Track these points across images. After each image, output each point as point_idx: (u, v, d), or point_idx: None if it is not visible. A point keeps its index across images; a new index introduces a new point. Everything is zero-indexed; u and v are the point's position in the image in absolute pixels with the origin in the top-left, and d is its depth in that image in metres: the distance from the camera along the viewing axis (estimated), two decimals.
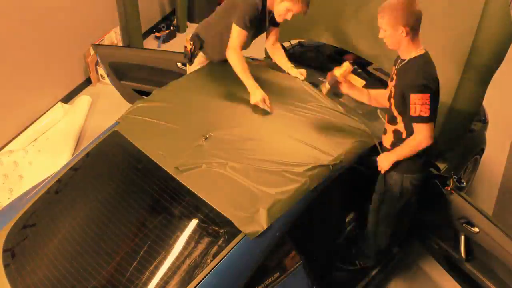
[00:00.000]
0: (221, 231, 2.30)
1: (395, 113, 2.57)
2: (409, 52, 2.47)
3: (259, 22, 3.12)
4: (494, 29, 2.90)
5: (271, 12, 3.11)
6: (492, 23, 2.88)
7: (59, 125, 4.67)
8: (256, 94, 2.90)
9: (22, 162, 4.27)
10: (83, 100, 4.90)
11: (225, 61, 3.13)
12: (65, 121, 4.68)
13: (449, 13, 3.02)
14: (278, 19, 3.08)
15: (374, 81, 3.78)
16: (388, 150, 2.72)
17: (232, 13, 3.08)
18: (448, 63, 3.01)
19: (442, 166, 3.22)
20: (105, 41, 5.16)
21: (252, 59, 3.52)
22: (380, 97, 2.84)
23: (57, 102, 4.85)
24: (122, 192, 2.57)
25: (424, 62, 2.44)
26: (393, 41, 2.44)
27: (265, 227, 2.27)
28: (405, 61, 2.49)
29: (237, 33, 3.03)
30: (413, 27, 2.37)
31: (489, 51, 2.95)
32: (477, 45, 2.91)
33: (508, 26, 2.90)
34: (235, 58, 3.02)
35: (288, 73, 3.24)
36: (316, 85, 3.36)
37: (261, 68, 3.36)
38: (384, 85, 3.80)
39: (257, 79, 3.15)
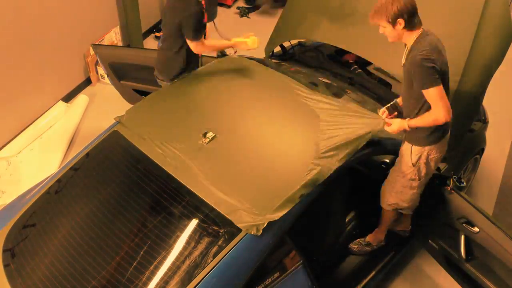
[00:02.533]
0: (221, 231, 2.30)
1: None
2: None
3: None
4: (494, 29, 2.90)
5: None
6: (492, 23, 2.88)
7: (55, 125, 4.68)
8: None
9: (14, 161, 4.27)
10: (80, 100, 4.90)
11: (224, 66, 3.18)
12: (61, 121, 4.68)
13: (449, 13, 3.02)
14: None
15: (374, 81, 3.78)
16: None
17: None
18: (448, 63, 3.01)
19: (442, 166, 3.22)
20: (105, 41, 5.16)
21: (252, 59, 3.52)
22: None
23: (57, 102, 4.85)
24: (122, 192, 2.57)
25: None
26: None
27: (265, 224, 2.27)
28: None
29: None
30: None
31: (489, 51, 2.95)
32: (477, 45, 2.91)
33: (508, 26, 2.90)
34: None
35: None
36: (316, 84, 3.36)
37: (261, 68, 3.35)
38: (383, 84, 3.80)
39: (257, 79, 3.16)
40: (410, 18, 2.48)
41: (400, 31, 2.53)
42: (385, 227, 3.25)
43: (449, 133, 2.77)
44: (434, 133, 2.68)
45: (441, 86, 2.48)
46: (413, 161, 2.76)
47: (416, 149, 2.75)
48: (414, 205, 3.03)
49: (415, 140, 2.74)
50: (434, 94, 2.48)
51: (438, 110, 2.51)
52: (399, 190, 2.92)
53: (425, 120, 2.59)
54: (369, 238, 3.29)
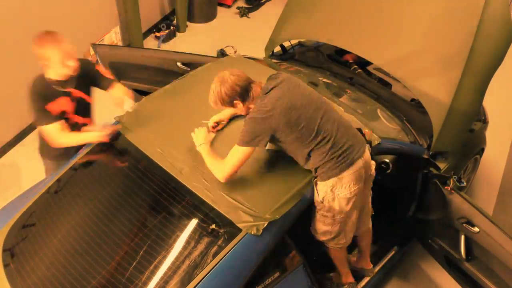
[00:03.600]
0: (221, 231, 2.30)
1: None
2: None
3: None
4: (494, 30, 2.90)
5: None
6: (492, 23, 2.88)
7: None
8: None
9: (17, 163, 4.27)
10: None
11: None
12: None
13: (449, 13, 3.03)
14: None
15: (374, 81, 3.78)
16: None
17: None
18: (449, 63, 3.01)
19: (442, 166, 3.22)
20: (105, 41, 5.15)
21: (252, 58, 3.52)
22: None
23: None
24: (121, 191, 2.57)
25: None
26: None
27: (265, 224, 2.27)
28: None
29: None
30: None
31: (489, 51, 2.95)
32: (477, 45, 2.91)
33: (508, 26, 2.89)
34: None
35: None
36: (316, 84, 3.36)
37: (261, 67, 3.35)
38: (384, 84, 3.80)
39: (257, 79, 3.16)
40: (244, 96, 2.41)
41: (244, 107, 2.45)
42: (340, 267, 2.93)
43: (356, 165, 2.47)
44: (328, 170, 2.43)
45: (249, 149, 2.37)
46: (320, 198, 2.51)
47: (319, 185, 2.48)
48: (340, 241, 2.69)
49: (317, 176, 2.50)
50: (237, 150, 2.38)
51: (225, 166, 2.39)
52: (316, 218, 2.64)
53: (210, 163, 2.44)
54: (332, 275, 3.06)
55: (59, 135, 2.81)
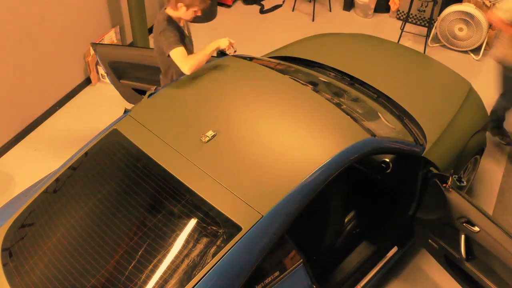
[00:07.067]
0: (220, 230, 2.29)
1: None
2: None
3: (182, 36, 3.37)
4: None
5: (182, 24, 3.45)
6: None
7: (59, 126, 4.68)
8: (221, 41, 3.29)
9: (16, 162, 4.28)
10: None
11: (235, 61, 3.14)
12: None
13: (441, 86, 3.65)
14: (189, 19, 3.45)
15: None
16: None
17: (161, 51, 3.30)
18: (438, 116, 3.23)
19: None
20: (105, 40, 5.15)
21: (252, 58, 3.52)
22: None
23: (56, 102, 4.85)
24: (120, 190, 2.57)
25: None
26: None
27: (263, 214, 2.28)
28: None
29: (179, 54, 3.20)
30: None
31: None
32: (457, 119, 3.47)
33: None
34: (192, 61, 3.17)
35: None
36: (316, 84, 3.36)
37: (261, 67, 3.35)
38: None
39: (257, 78, 3.16)
40: None
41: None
42: None
43: None
44: None
45: None
46: None
47: None
48: None
49: None
50: None
51: None
52: None
53: None
54: None
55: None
